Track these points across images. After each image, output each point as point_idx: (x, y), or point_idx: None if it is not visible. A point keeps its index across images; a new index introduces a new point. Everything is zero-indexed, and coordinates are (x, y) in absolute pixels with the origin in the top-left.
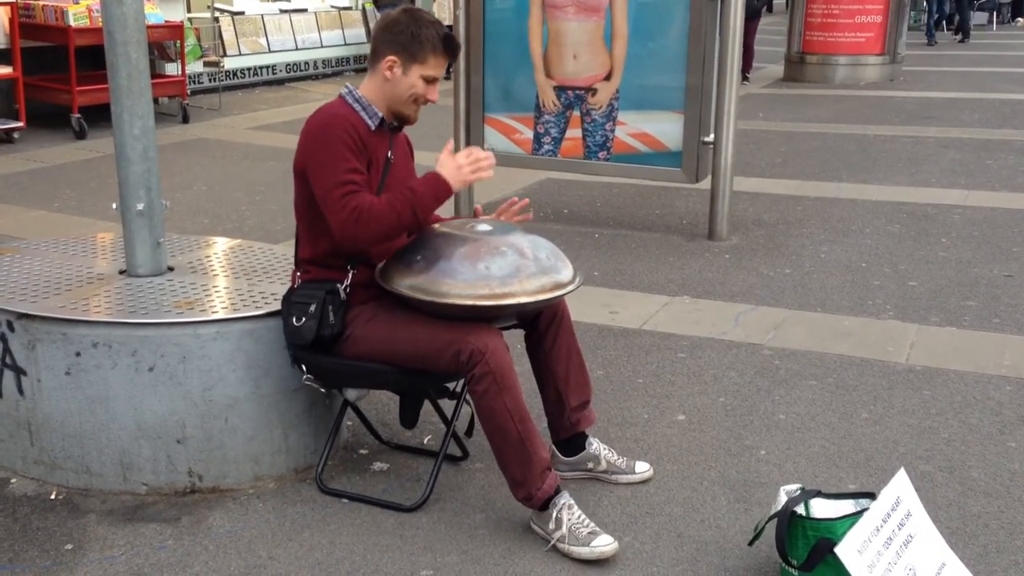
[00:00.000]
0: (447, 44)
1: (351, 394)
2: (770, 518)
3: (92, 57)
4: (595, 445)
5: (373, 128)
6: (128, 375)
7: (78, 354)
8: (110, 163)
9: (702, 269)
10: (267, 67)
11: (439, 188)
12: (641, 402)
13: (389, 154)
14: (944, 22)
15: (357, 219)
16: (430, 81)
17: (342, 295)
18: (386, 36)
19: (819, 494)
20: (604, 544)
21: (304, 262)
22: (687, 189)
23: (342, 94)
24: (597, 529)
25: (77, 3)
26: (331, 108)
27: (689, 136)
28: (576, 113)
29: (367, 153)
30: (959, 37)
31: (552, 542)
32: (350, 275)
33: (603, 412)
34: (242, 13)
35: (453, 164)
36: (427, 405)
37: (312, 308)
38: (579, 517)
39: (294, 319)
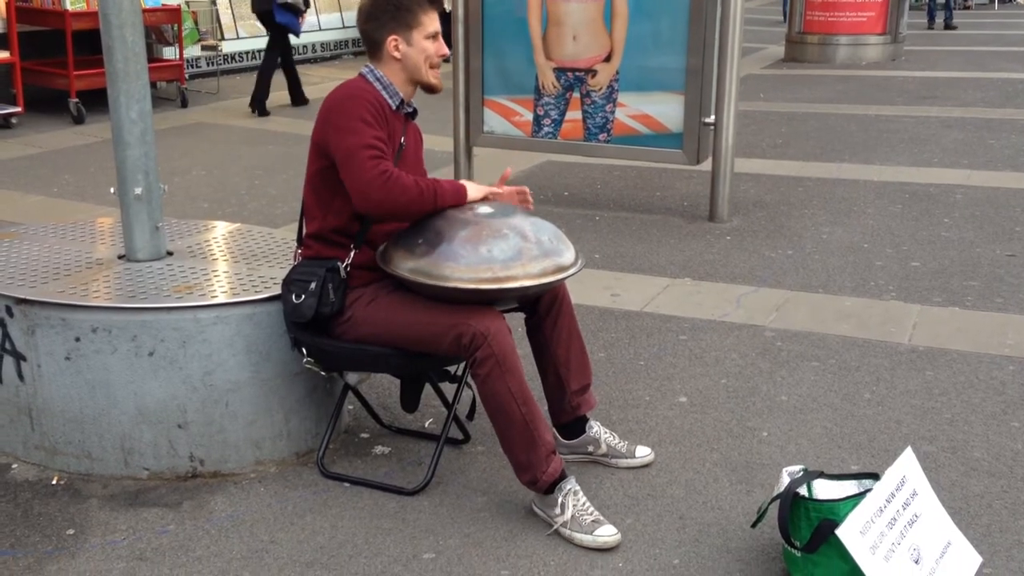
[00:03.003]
0: None
1: (352, 378)
2: (773, 500)
3: (89, 41)
4: (596, 428)
5: (393, 107)
6: (128, 360)
7: (78, 339)
8: (108, 148)
9: (703, 251)
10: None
11: (458, 190)
12: (643, 384)
13: (402, 139)
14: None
15: (385, 182)
16: (433, 38)
17: (342, 273)
18: (374, 23)
19: (822, 475)
20: (607, 534)
21: (308, 237)
22: (688, 171)
23: (363, 73)
24: (601, 518)
25: None
26: (354, 83)
27: (690, 117)
28: (576, 95)
29: (387, 129)
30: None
31: (555, 527)
32: (352, 254)
33: (604, 395)
34: None
35: (476, 183)
36: (428, 389)
37: (312, 285)
38: (583, 504)
39: (293, 296)
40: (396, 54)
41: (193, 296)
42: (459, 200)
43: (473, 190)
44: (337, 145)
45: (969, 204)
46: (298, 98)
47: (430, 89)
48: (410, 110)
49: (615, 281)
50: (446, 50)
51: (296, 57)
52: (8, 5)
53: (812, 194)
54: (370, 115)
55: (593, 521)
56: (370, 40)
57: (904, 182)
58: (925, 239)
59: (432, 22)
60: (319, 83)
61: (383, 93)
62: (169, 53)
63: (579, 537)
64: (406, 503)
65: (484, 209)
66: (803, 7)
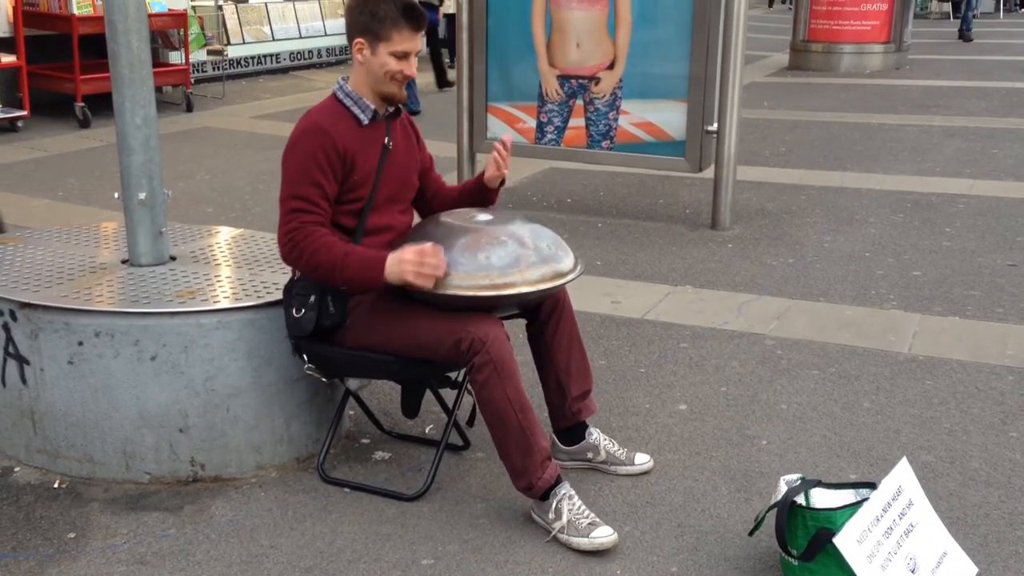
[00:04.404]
0: (408, 16)
1: (352, 383)
2: (770, 508)
3: (96, 45)
4: (595, 435)
5: (366, 122)
6: (130, 364)
7: (80, 343)
8: (114, 152)
9: (705, 259)
10: (271, 55)
11: (371, 273)
12: (643, 392)
13: (386, 141)
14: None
15: (291, 240)
16: (401, 57)
17: None
18: (350, 19)
19: (819, 484)
20: (603, 536)
21: None
22: (690, 178)
23: (334, 90)
24: (597, 520)
25: None
26: (317, 112)
27: (693, 125)
28: (579, 102)
29: (347, 160)
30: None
31: (553, 533)
32: None
33: (604, 402)
34: (246, 1)
35: (398, 258)
36: (428, 395)
37: (311, 299)
38: (579, 508)
39: (294, 310)
40: (360, 57)
41: (195, 301)
42: (367, 278)
43: (389, 271)
44: (281, 184)
45: (971, 214)
46: (443, 83)
47: (390, 99)
48: (391, 111)
49: (616, 288)
50: (413, 72)
51: (301, 62)
52: (15, 9)
53: (814, 202)
54: (312, 160)
55: (589, 524)
56: (347, 35)
57: (906, 191)
58: (926, 248)
59: (403, 42)
60: (324, 88)
61: (354, 109)
62: (175, 57)
63: (576, 541)
64: (406, 509)
65: (483, 216)
66: (807, 15)
